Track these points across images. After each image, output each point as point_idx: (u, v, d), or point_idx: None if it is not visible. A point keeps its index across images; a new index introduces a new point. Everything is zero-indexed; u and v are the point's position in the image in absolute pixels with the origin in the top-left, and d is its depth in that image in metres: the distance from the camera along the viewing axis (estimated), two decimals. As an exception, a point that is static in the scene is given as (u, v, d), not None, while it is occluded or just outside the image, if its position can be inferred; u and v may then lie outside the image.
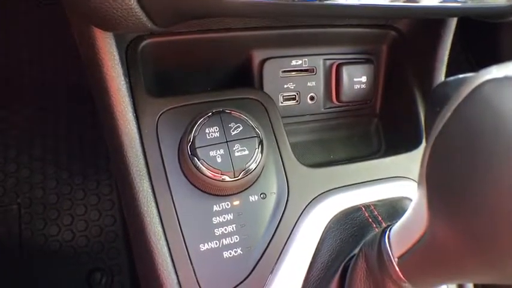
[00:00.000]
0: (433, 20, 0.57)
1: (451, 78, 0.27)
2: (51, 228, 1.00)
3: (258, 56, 0.56)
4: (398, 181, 0.52)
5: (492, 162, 0.19)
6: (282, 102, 0.58)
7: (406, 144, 0.56)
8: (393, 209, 0.47)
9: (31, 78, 1.11)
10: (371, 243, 0.35)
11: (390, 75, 0.63)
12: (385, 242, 0.33)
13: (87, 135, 1.09)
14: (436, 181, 0.23)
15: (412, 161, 0.53)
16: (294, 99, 0.58)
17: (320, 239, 0.44)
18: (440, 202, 0.23)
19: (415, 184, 0.50)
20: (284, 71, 0.57)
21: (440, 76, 0.57)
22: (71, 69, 1.11)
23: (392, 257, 0.32)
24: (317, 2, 0.34)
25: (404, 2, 0.40)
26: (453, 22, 0.56)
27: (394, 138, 0.61)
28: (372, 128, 0.65)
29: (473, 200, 0.20)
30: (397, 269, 0.32)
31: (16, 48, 1.10)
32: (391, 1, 0.39)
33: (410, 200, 0.50)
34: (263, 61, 0.56)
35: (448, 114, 0.21)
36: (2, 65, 1.10)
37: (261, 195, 0.45)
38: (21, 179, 1.04)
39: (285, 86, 0.57)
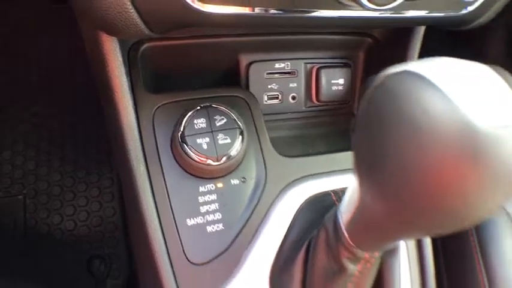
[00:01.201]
0: (403, 29, 0.63)
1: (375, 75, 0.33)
2: (54, 217, 1.07)
3: (245, 59, 0.63)
4: None
5: (392, 132, 0.25)
6: (266, 101, 0.64)
7: None
8: None
9: (39, 78, 1.18)
10: (330, 217, 0.42)
11: (366, 78, 0.70)
12: (337, 213, 0.39)
13: (91, 132, 1.16)
14: (358, 154, 0.29)
15: None
16: (277, 98, 0.65)
17: (292, 219, 0.51)
18: (361, 171, 0.30)
19: None
20: (268, 73, 0.64)
21: None
22: (77, 70, 1.18)
23: (342, 226, 0.38)
24: (287, 15, 0.41)
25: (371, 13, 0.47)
26: (421, 30, 0.63)
27: None
28: (349, 126, 0.71)
29: (384, 166, 0.26)
30: (346, 235, 0.38)
31: (25, 49, 1.18)
32: (354, 13, 0.46)
33: None
34: (249, 64, 0.63)
35: (365, 100, 0.27)
36: (11, 64, 1.17)
37: (242, 179, 0.52)
38: (27, 171, 1.11)
39: (269, 87, 0.64)
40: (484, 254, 0.63)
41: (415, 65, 0.25)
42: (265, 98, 0.64)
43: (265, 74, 0.64)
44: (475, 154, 0.22)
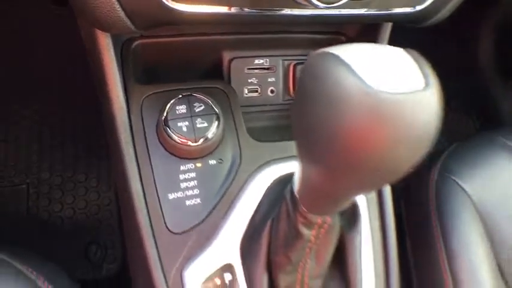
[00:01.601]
0: (372, 26, 0.69)
1: None
2: (54, 205, 1.14)
3: (227, 56, 0.69)
4: None
5: (314, 104, 0.31)
6: (246, 94, 0.71)
7: None
8: None
9: (40, 77, 1.25)
10: (288, 189, 0.48)
11: None
12: (292, 183, 0.45)
13: (91, 129, 1.23)
14: (293, 125, 0.35)
15: None
16: (256, 91, 0.71)
17: (262, 196, 0.57)
18: (297, 140, 0.36)
19: None
20: (248, 68, 0.70)
21: None
22: (78, 71, 1.25)
23: (296, 195, 0.45)
24: (247, 13, 0.47)
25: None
26: (388, 27, 0.69)
27: None
28: None
29: (310, 133, 0.33)
30: (299, 202, 0.44)
31: (27, 51, 1.25)
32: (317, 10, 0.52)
33: None
34: (231, 60, 0.69)
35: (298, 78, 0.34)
36: (14, 66, 1.25)
37: (219, 161, 0.58)
38: (30, 163, 1.18)
39: (249, 81, 0.70)
40: (445, 238, 0.69)
41: (333, 48, 0.32)
42: (246, 91, 0.71)
43: (245, 69, 0.70)
44: (378, 116, 0.28)
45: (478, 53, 1.52)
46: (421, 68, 0.30)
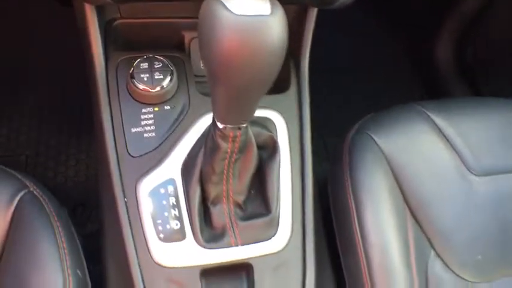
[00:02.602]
0: (304, 12, 0.86)
1: None
2: (49, 173, 1.32)
3: (188, 35, 0.88)
4: (268, 110, 0.81)
5: (204, 29, 0.48)
6: (202, 66, 0.89)
7: (281, 89, 0.86)
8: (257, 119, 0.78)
9: (43, 69, 1.46)
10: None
11: None
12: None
13: (86, 110, 1.42)
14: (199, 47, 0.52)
15: (281, 97, 0.83)
16: None
17: (203, 132, 0.75)
18: (202, 62, 0.53)
19: (277, 113, 0.80)
20: None
21: (306, 52, 0.88)
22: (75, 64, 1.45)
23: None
24: None
25: None
26: (313, 13, 0.84)
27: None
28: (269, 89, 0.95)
29: (203, 49, 0.49)
30: (213, 116, 0.61)
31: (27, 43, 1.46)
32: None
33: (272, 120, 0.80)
34: (191, 39, 0.88)
35: None
36: (13, 56, 1.45)
37: (172, 106, 0.76)
38: (30, 137, 1.37)
39: None
40: (354, 187, 0.83)
41: None
42: (201, 64, 0.89)
43: None
44: (238, 30, 0.44)
45: (436, 52, 1.71)
46: (272, 6, 0.48)
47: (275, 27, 0.46)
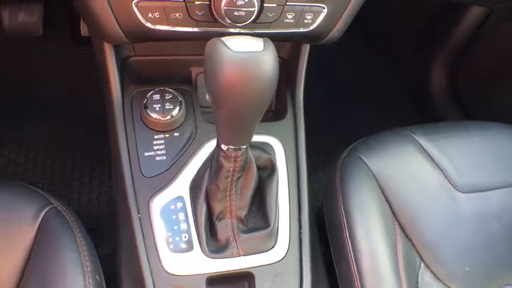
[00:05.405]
0: (297, 49, 0.97)
1: None
2: (63, 200, 1.40)
3: (195, 70, 0.98)
4: (267, 135, 0.90)
5: (209, 64, 0.58)
6: (208, 98, 0.99)
7: (279, 117, 0.95)
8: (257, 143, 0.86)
9: (55, 101, 1.58)
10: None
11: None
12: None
13: (97, 140, 1.52)
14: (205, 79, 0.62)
15: (278, 124, 0.93)
16: None
17: (208, 155, 0.83)
18: (207, 91, 0.63)
19: (275, 138, 0.89)
20: None
21: (301, 82, 0.98)
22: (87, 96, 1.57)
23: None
24: (204, 29, 0.75)
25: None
26: (306, 48, 0.95)
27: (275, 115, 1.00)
28: (268, 117, 1.03)
29: (209, 80, 0.59)
30: (217, 137, 0.70)
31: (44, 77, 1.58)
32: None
33: (270, 144, 0.89)
34: (197, 74, 0.98)
35: None
36: (29, 89, 1.57)
37: (181, 133, 0.85)
38: (46, 166, 1.46)
39: None
40: (345, 204, 0.90)
41: (223, 37, 0.59)
42: (207, 96, 0.98)
43: None
44: (236, 64, 0.54)
45: (429, 81, 1.81)
46: (265, 43, 0.58)
47: (267, 61, 0.56)
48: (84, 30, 1.02)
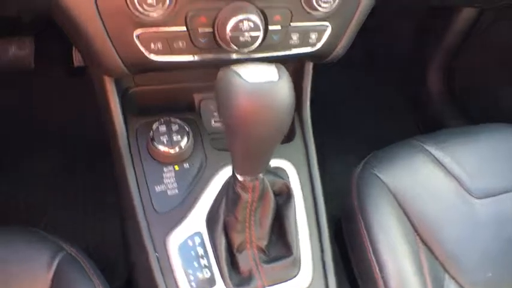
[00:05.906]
0: (301, 68, 0.96)
1: None
2: (70, 239, 1.36)
3: (197, 97, 0.96)
4: (279, 159, 0.88)
5: (221, 94, 0.56)
6: (213, 124, 0.96)
7: (288, 139, 0.93)
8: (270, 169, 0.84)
9: (55, 134, 1.55)
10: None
11: None
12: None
13: (97, 174, 1.48)
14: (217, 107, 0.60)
15: (289, 146, 0.91)
16: (220, 122, 0.97)
17: (222, 186, 0.81)
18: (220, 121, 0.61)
19: (287, 161, 0.87)
20: (214, 106, 0.97)
21: (307, 101, 0.97)
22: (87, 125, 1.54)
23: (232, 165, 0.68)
24: (208, 57, 0.73)
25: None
26: (310, 67, 0.94)
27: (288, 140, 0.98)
28: None
29: (221, 109, 0.57)
30: (233, 168, 0.67)
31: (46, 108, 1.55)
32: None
33: (283, 168, 0.87)
34: (200, 100, 0.96)
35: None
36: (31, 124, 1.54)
37: (191, 164, 0.83)
38: (47, 205, 1.43)
39: (215, 114, 0.96)
40: (365, 220, 0.89)
41: (233, 66, 0.57)
42: (212, 121, 0.96)
43: (211, 107, 0.96)
44: (251, 95, 0.52)
45: (427, 86, 1.82)
46: (279, 71, 0.56)
47: (283, 90, 0.55)
48: (77, 60, 1.00)
